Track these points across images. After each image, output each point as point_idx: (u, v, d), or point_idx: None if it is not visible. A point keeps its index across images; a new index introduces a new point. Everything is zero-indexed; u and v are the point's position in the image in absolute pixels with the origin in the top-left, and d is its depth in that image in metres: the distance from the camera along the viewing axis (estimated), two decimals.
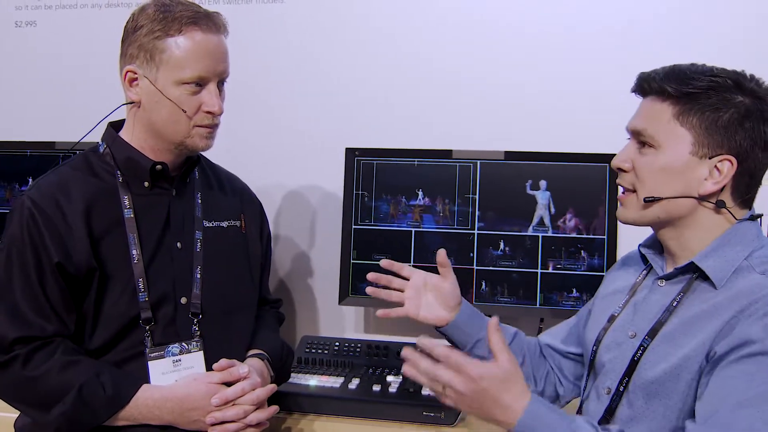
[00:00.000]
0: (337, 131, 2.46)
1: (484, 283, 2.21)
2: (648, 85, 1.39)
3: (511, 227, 2.20)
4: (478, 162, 2.23)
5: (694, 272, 1.38)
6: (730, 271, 1.34)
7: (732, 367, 1.25)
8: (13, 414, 1.71)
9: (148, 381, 1.62)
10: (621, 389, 1.40)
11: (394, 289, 1.69)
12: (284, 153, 2.53)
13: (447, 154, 2.25)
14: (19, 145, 2.49)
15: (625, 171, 1.42)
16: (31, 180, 2.34)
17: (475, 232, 2.22)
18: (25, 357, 1.56)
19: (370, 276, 1.70)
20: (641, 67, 1.46)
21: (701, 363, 1.30)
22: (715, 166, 1.34)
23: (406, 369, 1.34)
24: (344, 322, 2.52)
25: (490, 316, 1.38)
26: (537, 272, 2.19)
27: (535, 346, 1.75)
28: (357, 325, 2.51)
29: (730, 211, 1.36)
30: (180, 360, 1.66)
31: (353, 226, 2.28)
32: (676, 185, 1.36)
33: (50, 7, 2.71)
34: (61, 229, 1.58)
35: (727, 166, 1.33)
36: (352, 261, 2.28)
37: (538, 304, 2.18)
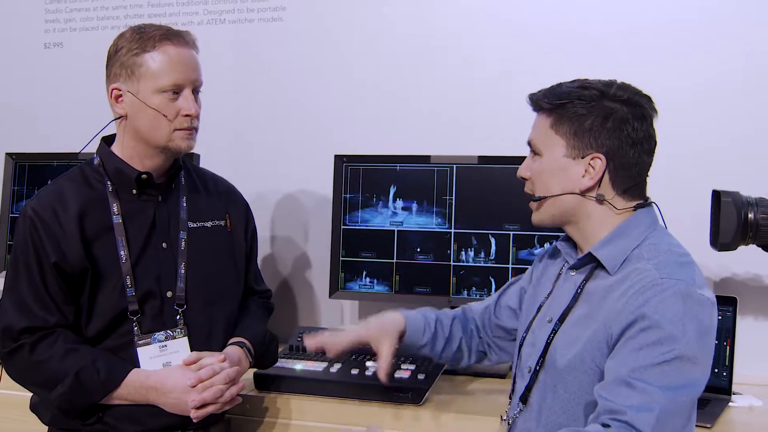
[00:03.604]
0: (326, 140, 2.67)
1: (460, 278, 2.38)
2: (533, 103, 1.58)
3: (485, 226, 2.37)
4: (455, 166, 2.40)
5: (593, 262, 1.54)
6: (621, 259, 1.49)
7: (628, 344, 1.40)
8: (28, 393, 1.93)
9: (138, 365, 1.83)
10: (537, 368, 1.56)
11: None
12: (281, 161, 2.76)
13: (426, 159, 2.43)
14: (46, 156, 2.75)
15: (526, 179, 1.60)
16: None
17: (452, 231, 2.40)
18: (31, 345, 1.77)
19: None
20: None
21: (598, 345, 1.46)
22: (589, 164, 1.50)
23: None
24: (340, 314, 2.72)
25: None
26: (508, 267, 2.36)
27: (468, 323, 1.87)
28: (352, 316, 2.71)
29: (610, 203, 1.52)
30: (166, 345, 1.86)
31: (342, 227, 2.48)
32: (558, 185, 1.53)
33: (75, 29, 2.98)
34: (57, 234, 1.79)
35: (599, 163, 1.50)
36: (341, 258, 2.48)
37: None
